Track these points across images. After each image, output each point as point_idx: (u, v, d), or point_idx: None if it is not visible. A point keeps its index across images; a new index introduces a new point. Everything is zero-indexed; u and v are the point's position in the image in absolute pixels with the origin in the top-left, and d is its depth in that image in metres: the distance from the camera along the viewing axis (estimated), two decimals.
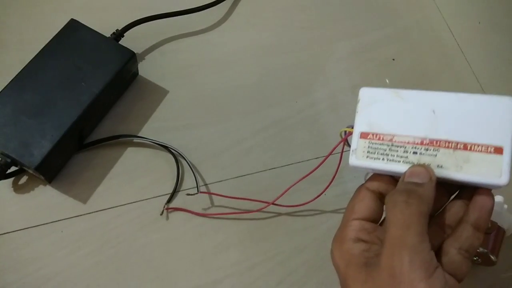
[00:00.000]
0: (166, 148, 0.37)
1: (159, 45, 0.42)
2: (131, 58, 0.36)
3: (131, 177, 0.36)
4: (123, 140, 0.37)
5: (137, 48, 0.39)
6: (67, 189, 0.34)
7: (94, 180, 0.35)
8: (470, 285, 0.37)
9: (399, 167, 0.24)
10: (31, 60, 0.34)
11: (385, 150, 0.24)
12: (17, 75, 0.33)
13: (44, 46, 0.35)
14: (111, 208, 0.34)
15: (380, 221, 0.26)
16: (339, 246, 0.24)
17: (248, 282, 0.34)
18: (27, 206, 0.33)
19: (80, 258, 0.32)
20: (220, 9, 0.45)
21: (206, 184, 0.37)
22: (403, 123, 0.24)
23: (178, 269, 0.33)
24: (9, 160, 0.31)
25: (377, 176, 0.26)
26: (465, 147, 0.23)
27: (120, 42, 0.38)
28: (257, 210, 0.35)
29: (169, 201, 0.35)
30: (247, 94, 0.41)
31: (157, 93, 0.39)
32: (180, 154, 0.36)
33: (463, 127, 0.23)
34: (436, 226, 0.24)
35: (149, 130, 0.38)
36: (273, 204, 0.34)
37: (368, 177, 0.26)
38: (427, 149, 0.24)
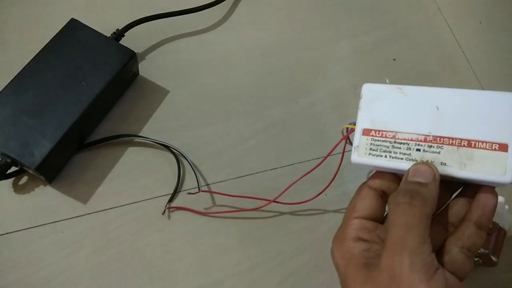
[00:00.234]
0: (167, 147, 0.36)
1: (160, 45, 0.42)
2: (132, 58, 0.36)
3: (132, 177, 0.36)
4: (123, 140, 0.36)
5: (137, 48, 0.39)
6: (67, 189, 0.34)
7: (94, 180, 0.35)
8: (471, 285, 0.37)
9: (402, 165, 0.23)
10: (31, 60, 0.34)
11: (388, 147, 0.24)
12: (17, 75, 0.33)
13: (44, 46, 0.35)
14: (112, 208, 0.34)
15: (382, 219, 0.26)
16: (339, 245, 0.24)
17: (249, 282, 0.34)
18: (27, 206, 0.33)
19: (81, 258, 0.32)
20: (221, 9, 0.45)
21: (207, 184, 0.37)
22: (406, 119, 0.24)
23: (179, 270, 0.33)
24: (9, 160, 0.31)
25: (380, 174, 0.25)
26: (469, 144, 0.22)
27: (120, 42, 0.38)
28: (258, 208, 0.35)
29: (170, 200, 0.35)
30: (248, 94, 0.41)
31: (158, 93, 0.39)
32: (181, 154, 0.36)
33: (467, 124, 0.23)
34: (438, 224, 0.24)
35: (150, 130, 0.38)
36: (274, 201, 0.34)
37: (370, 175, 0.26)
38: (430, 146, 0.23)
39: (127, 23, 0.39)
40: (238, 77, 0.42)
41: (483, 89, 0.47)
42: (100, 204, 0.34)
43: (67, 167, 0.35)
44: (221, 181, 0.37)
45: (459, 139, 0.23)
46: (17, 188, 0.34)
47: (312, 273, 0.35)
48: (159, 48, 0.41)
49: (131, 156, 0.36)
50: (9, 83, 0.33)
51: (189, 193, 0.35)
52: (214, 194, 0.36)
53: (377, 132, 0.25)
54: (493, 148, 0.22)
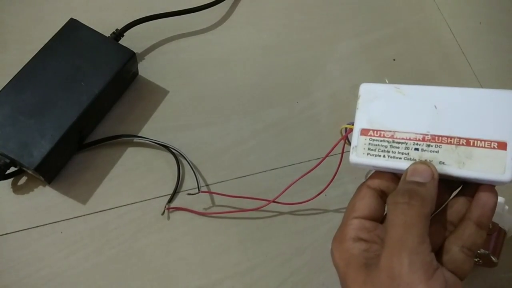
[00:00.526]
0: (166, 148, 0.36)
1: (159, 45, 0.42)
2: (131, 58, 0.36)
3: (131, 178, 0.35)
4: (123, 140, 0.36)
5: (137, 48, 0.39)
6: (66, 189, 0.34)
7: (94, 180, 0.35)
8: (471, 286, 0.37)
9: (401, 164, 0.23)
10: (30, 60, 0.34)
11: (386, 147, 0.24)
12: (16, 75, 0.33)
13: (44, 46, 0.35)
14: (111, 209, 0.34)
15: (382, 219, 0.26)
16: (339, 246, 0.24)
17: (249, 283, 0.34)
18: (27, 207, 0.33)
19: (80, 259, 0.32)
20: (221, 8, 0.44)
21: (207, 185, 0.37)
22: (404, 119, 0.24)
23: (178, 270, 0.33)
24: (8, 161, 0.31)
25: (379, 173, 0.25)
26: (468, 142, 0.22)
27: (120, 42, 0.38)
28: (258, 208, 0.35)
29: (170, 201, 0.35)
30: (247, 94, 0.41)
31: (157, 93, 0.39)
32: (181, 154, 0.36)
33: (465, 123, 0.23)
34: (438, 223, 0.24)
35: (149, 130, 0.38)
36: (273, 202, 0.34)
37: (369, 175, 0.26)
38: (429, 145, 0.23)
39: (127, 23, 0.39)
40: (238, 77, 0.42)
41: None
42: (99, 205, 0.34)
43: (67, 167, 0.35)
44: (220, 182, 0.37)
45: (458, 137, 0.23)
46: (16, 189, 0.33)
47: (312, 273, 0.35)
48: (159, 48, 0.41)
49: (131, 157, 0.36)
50: (8, 83, 0.33)
51: (188, 194, 0.35)
52: (214, 195, 0.36)
53: (375, 132, 0.25)
54: (492, 146, 0.22)
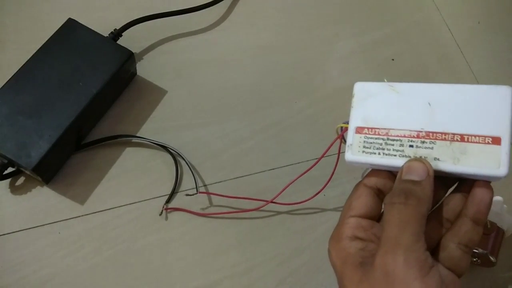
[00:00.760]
0: (165, 148, 0.36)
1: (158, 44, 0.42)
2: (129, 58, 0.36)
3: (129, 178, 0.35)
4: (121, 140, 0.36)
5: (135, 48, 0.39)
6: (64, 190, 0.34)
7: (92, 181, 0.35)
8: (469, 286, 0.37)
9: (396, 161, 0.24)
10: (28, 60, 0.34)
11: (381, 144, 0.24)
12: (14, 75, 0.33)
13: (42, 46, 0.35)
14: (110, 209, 0.34)
15: (379, 217, 0.26)
16: (336, 245, 0.24)
17: (247, 283, 0.34)
18: (25, 207, 0.33)
19: (78, 259, 0.32)
20: (219, 8, 0.44)
21: (205, 185, 0.37)
22: (399, 116, 0.24)
23: (176, 270, 0.33)
24: (6, 161, 0.31)
25: (375, 171, 0.25)
26: (462, 138, 0.22)
27: (118, 42, 0.37)
28: (256, 209, 0.35)
29: (168, 201, 0.35)
30: (246, 94, 0.41)
31: (156, 93, 0.39)
32: (179, 154, 0.36)
33: (459, 119, 0.23)
34: (434, 220, 0.24)
35: (148, 130, 0.37)
36: (271, 202, 0.34)
37: (365, 174, 0.26)
38: (423, 142, 0.23)
39: (125, 23, 0.38)
40: (237, 77, 0.42)
41: None
42: (97, 205, 0.34)
43: (65, 167, 0.35)
44: (219, 182, 0.37)
45: (452, 133, 0.23)
46: (14, 189, 0.33)
47: (310, 273, 0.35)
48: (157, 48, 0.41)
49: (129, 157, 0.36)
50: (6, 83, 0.33)
51: (187, 195, 0.35)
52: (212, 195, 0.36)
53: (370, 129, 0.25)
54: (486, 141, 0.22)
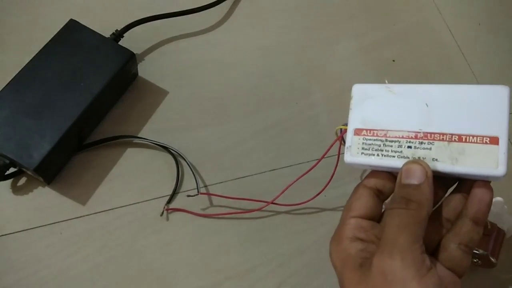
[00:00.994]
0: (166, 148, 0.36)
1: (159, 45, 0.42)
2: (131, 58, 0.36)
3: (130, 178, 0.35)
4: (122, 141, 0.36)
5: (136, 49, 0.39)
6: (66, 190, 0.34)
7: (93, 181, 0.35)
8: (469, 287, 0.37)
9: (394, 162, 0.24)
10: (30, 61, 0.34)
11: (380, 146, 0.24)
12: (16, 75, 0.33)
13: (43, 47, 0.35)
14: (111, 209, 0.34)
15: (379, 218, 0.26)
16: (336, 246, 0.24)
17: (248, 284, 0.34)
18: (26, 207, 0.33)
19: (79, 260, 0.32)
20: (220, 9, 0.45)
21: (206, 186, 0.37)
22: (397, 117, 0.24)
23: (177, 271, 0.33)
24: (7, 161, 0.31)
25: (374, 172, 0.26)
26: (460, 139, 0.23)
27: (119, 43, 0.38)
28: (257, 210, 0.35)
29: (169, 202, 0.35)
30: (247, 95, 0.41)
31: (157, 94, 0.39)
32: (180, 155, 0.36)
33: (457, 119, 0.23)
34: (435, 221, 0.24)
35: (149, 131, 0.38)
36: (272, 203, 0.34)
37: (365, 176, 0.26)
38: (421, 143, 0.23)
39: (126, 24, 0.39)
40: (238, 78, 0.42)
41: None
42: (99, 206, 0.34)
43: (66, 168, 0.35)
44: (220, 182, 0.37)
45: (450, 134, 0.23)
46: (16, 189, 0.33)
47: (311, 275, 0.35)
48: (159, 49, 0.41)
49: (130, 157, 0.36)
50: (8, 84, 0.33)
51: (188, 196, 0.35)
52: (213, 196, 0.36)
53: (368, 131, 0.25)
54: (484, 141, 0.22)
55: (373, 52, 0.46)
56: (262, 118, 0.40)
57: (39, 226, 0.33)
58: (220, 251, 0.34)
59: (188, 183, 0.36)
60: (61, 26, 0.36)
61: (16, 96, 0.32)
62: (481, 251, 0.33)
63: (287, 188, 0.34)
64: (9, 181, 0.33)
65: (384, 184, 0.25)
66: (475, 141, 0.22)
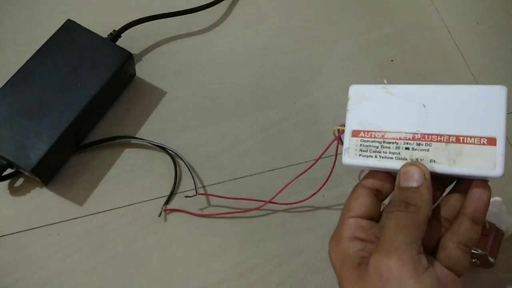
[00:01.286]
0: (163, 149, 0.36)
1: (157, 45, 0.42)
2: (128, 59, 0.36)
3: (128, 179, 0.35)
4: (120, 141, 0.36)
5: (134, 49, 0.39)
6: (63, 191, 0.34)
7: (91, 182, 0.35)
8: (468, 287, 0.37)
9: (392, 164, 0.24)
10: (27, 61, 0.34)
11: (377, 147, 0.24)
12: (13, 76, 0.33)
13: (41, 47, 0.35)
14: (108, 210, 0.34)
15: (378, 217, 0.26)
16: (335, 246, 0.24)
17: (247, 284, 0.34)
18: (23, 208, 0.33)
19: (77, 261, 0.32)
20: (218, 9, 0.44)
21: (204, 186, 0.36)
22: (394, 119, 0.24)
23: (175, 272, 0.33)
24: (4, 162, 0.31)
25: (373, 172, 0.26)
26: (458, 140, 0.23)
27: (117, 43, 0.37)
28: (255, 209, 0.35)
29: (167, 202, 0.35)
30: (245, 95, 0.41)
31: (155, 94, 0.39)
32: (178, 155, 0.36)
33: (454, 120, 0.23)
34: (433, 220, 0.24)
35: (147, 131, 0.37)
36: (270, 202, 0.34)
37: (363, 175, 0.26)
38: (419, 144, 0.23)
39: (124, 24, 0.38)
40: (235, 78, 0.42)
41: None
42: (96, 206, 0.34)
43: (63, 169, 0.35)
44: (218, 183, 0.37)
45: (447, 135, 0.23)
46: (13, 190, 0.33)
47: (309, 275, 0.35)
48: (156, 49, 0.41)
49: (128, 158, 0.36)
50: (4, 84, 0.33)
51: (186, 196, 0.35)
52: (211, 196, 0.36)
53: (366, 133, 0.25)
54: (482, 142, 0.22)
55: (371, 52, 0.46)
56: (260, 118, 0.40)
57: (37, 227, 0.33)
58: (218, 251, 0.34)
59: (186, 183, 0.36)
60: (59, 27, 0.36)
61: (13, 96, 0.32)
62: (479, 251, 0.33)
63: (285, 187, 0.34)
64: (6, 182, 0.33)
65: (382, 184, 0.25)
66: (473, 142, 0.22)
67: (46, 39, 0.35)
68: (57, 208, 0.33)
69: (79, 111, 0.33)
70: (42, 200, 0.33)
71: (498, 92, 0.22)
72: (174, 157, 0.36)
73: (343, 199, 0.38)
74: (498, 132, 0.22)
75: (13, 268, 0.31)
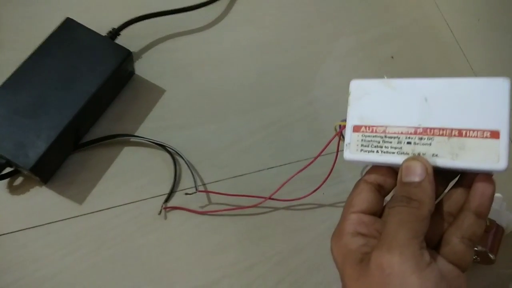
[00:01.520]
0: (163, 147, 0.36)
1: (156, 43, 0.41)
2: (127, 57, 0.36)
3: (127, 177, 0.35)
4: (119, 139, 0.36)
5: (133, 47, 0.39)
6: (63, 190, 0.34)
7: (90, 180, 0.35)
8: (468, 284, 0.36)
9: (394, 159, 0.23)
10: (26, 60, 0.34)
11: (379, 142, 0.24)
12: (12, 74, 0.33)
13: (39, 45, 0.34)
14: (108, 209, 0.34)
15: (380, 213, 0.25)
16: (337, 241, 0.24)
17: (247, 282, 0.34)
18: (23, 207, 0.33)
19: (77, 259, 0.32)
20: (217, 7, 0.44)
21: (203, 184, 0.36)
22: (396, 113, 0.24)
23: (175, 270, 0.33)
24: (3, 161, 0.31)
25: (375, 168, 0.25)
26: (460, 133, 0.22)
27: (116, 41, 0.37)
28: (255, 205, 0.35)
29: (166, 200, 0.35)
30: (245, 93, 0.41)
31: (154, 92, 0.39)
32: (177, 153, 0.36)
33: (457, 113, 0.23)
34: (437, 215, 0.24)
35: (146, 129, 0.37)
36: (269, 198, 0.34)
37: (365, 171, 0.26)
38: (421, 138, 0.23)
39: (123, 22, 0.38)
40: (235, 76, 0.41)
41: None
42: (96, 205, 0.34)
43: (63, 167, 0.35)
44: (217, 181, 0.37)
45: (450, 129, 0.23)
46: (12, 189, 0.33)
47: (309, 272, 0.35)
48: (155, 47, 0.41)
49: (127, 156, 0.36)
50: (3, 83, 0.33)
51: (186, 194, 0.35)
52: (211, 194, 0.36)
53: (367, 128, 0.25)
54: (485, 136, 0.22)
55: (371, 49, 0.46)
56: (260, 115, 0.40)
57: (36, 226, 0.32)
58: (218, 249, 0.34)
59: (186, 181, 0.36)
60: (58, 25, 0.35)
61: (12, 95, 0.32)
62: (480, 248, 0.33)
63: (285, 183, 0.33)
64: (5, 181, 0.33)
65: (385, 179, 0.25)
66: (476, 135, 0.22)
67: (45, 38, 0.35)
68: (57, 207, 0.33)
69: (78, 109, 0.33)
70: (42, 199, 0.33)
71: (501, 84, 0.22)
72: (173, 155, 0.36)
73: (343, 196, 0.38)
74: (502, 125, 0.21)
75: (13, 267, 0.31)
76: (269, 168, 0.38)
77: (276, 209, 0.36)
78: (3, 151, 0.31)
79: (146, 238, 0.34)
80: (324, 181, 0.32)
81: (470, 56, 0.48)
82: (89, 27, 0.36)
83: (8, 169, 0.32)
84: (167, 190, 0.35)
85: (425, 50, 0.47)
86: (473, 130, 0.22)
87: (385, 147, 0.24)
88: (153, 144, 0.36)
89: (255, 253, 0.35)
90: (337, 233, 0.25)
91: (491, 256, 0.33)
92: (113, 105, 0.38)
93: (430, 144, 0.23)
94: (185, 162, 0.36)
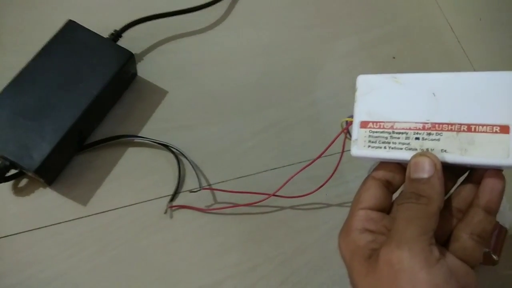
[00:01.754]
0: (166, 147, 0.36)
1: (158, 45, 0.41)
2: (130, 58, 0.36)
3: (132, 178, 0.35)
4: (123, 140, 0.36)
5: (135, 49, 0.39)
6: (67, 191, 0.34)
7: (94, 181, 0.35)
8: None
9: (402, 154, 0.23)
10: (29, 62, 0.34)
11: (387, 138, 0.24)
12: (15, 77, 0.33)
13: (42, 48, 0.35)
14: (112, 210, 0.34)
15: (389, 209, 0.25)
16: (345, 237, 0.24)
17: (250, 282, 0.34)
18: (28, 208, 0.33)
19: (81, 260, 0.32)
20: (219, 8, 0.44)
21: (208, 185, 0.37)
22: (403, 108, 0.24)
23: (179, 270, 0.33)
24: (8, 163, 0.31)
25: (383, 164, 0.25)
26: (469, 128, 0.22)
27: (118, 43, 0.37)
28: (259, 202, 0.34)
29: (171, 200, 0.35)
30: (247, 94, 0.41)
31: (157, 94, 0.39)
32: (181, 153, 0.36)
33: (465, 108, 0.22)
34: (446, 211, 0.24)
35: (149, 131, 0.38)
36: (273, 195, 0.34)
37: (371, 169, 0.26)
38: (429, 134, 0.23)
39: (125, 24, 0.38)
40: (237, 77, 0.42)
41: None
42: (100, 206, 0.34)
43: (67, 169, 0.35)
44: (221, 182, 0.37)
45: (458, 124, 0.22)
46: (17, 191, 0.33)
47: (313, 273, 0.35)
48: (157, 49, 0.41)
49: (131, 157, 0.36)
50: (7, 85, 0.33)
51: (191, 191, 0.35)
52: (215, 192, 0.36)
53: (374, 123, 0.24)
54: (494, 131, 0.21)
55: (373, 49, 0.46)
56: (263, 116, 0.40)
57: (41, 227, 0.33)
58: (221, 250, 0.34)
59: (190, 182, 0.36)
60: (60, 27, 0.36)
61: (15, 97, 0.32)
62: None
63: (290, 179, 0.33)
64: (10, 183, 0.33)
65: (393, 175, 0.25)
66: (485, 130, 0.21)
67: (47, 40, 0.35)
68: (61, 208, 0.33)
69: (82, 111, 0.33)
70: (46, 200, 0.34)
71: (510, 78, 0.22)
72: (177, 155, 0.36)
73: (346, 196, 0.38)
74: (511, 119, 0.21)
75: (18, 268, 0.31)
76: (272, 169, 0.38)
77: (279, 209, 0.36)
78: (8, 153, 0.31)
79: (150, 239, 0.34)
80: (328, 179, 0.32)
81: (471, 55, 0.48)
82: (91, 29, 0.36)
83: (12, 171, 0.32)
84: (171, 191, 0.35)
85: (427, 50, 0.47)
86: (482, 125, 0.21)
87: (393, 143, 0.23)
88: (157, 144, 0.36)
89: (258, 254, 0.35)
90: (345, 229, 0.24)
91: (494, 257, 0.33)
92: (116, 106, 0.38)
93: (439, 139, 0.22)
94: (189, 161, 0.36)
